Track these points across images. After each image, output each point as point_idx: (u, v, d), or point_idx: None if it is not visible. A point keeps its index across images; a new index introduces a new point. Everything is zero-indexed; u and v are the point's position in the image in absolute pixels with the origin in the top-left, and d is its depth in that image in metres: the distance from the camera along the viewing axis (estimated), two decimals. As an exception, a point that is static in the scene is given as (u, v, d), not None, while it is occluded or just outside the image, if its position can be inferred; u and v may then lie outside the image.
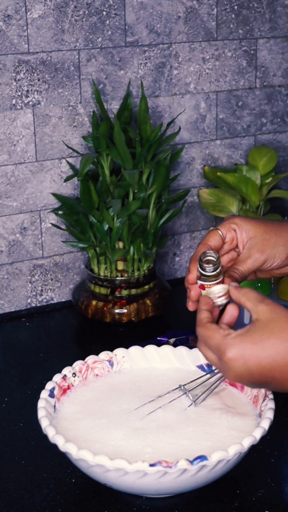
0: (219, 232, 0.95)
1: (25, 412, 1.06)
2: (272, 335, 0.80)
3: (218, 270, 0.89)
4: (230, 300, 0.90)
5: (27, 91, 1.30)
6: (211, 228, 0.96)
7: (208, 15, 1.42)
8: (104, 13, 1.33)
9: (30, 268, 1.38)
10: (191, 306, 0.94)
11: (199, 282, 0.90)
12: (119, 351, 1.04)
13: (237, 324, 1.31)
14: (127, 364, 1.04)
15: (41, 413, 0.90)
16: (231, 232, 0.95)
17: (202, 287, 0.90)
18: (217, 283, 0.89)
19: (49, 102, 1.33)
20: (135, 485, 0.84)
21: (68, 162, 1.36)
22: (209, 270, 0.89)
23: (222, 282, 0.90)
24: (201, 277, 0.90)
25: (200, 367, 1.03)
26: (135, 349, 1.05)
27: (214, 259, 0.90)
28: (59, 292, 1.42)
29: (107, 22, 1.34)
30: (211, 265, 0.89)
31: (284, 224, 0.97)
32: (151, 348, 1.05)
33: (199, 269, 0.90)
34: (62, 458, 0.91)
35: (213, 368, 1.02)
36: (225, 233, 0.95)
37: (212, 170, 1.44)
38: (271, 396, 0.92)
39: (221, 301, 0.89)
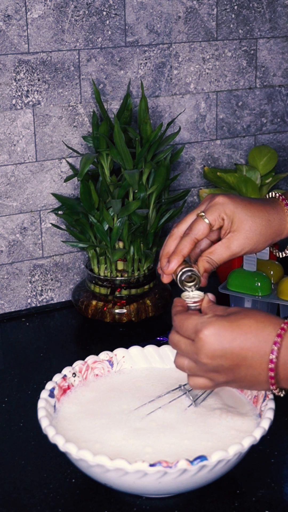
0: (206, 220, 0.92)
1: (25, 412, 1.06)
2: (247, 317, 0.83)
3: (196, 281, 0.92)
4: None
5: (27, 91, 1.30)
6: (199, 213, 0.93)
7: (208, 15, 1.42)
8: (104, 13, 1.33)
9: (30, 268, 1.38)
10: (165, 278, 0.95)
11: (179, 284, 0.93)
12: (119, 351, 1.04)
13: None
14: (127, 364, 1.04)
15: (41, 413, 0.90)
16: (219, 220, 0.93)
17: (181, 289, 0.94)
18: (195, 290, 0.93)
19: (49, 102, 1.33)
20: (135, 485, 0.84)
21: (68, 162, 1.36)
22: (191, 288, 0.92)
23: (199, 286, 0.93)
24: (182, 287, 0.93)
25: (200, 367, 1.03)
26: (135, 349, 1.05)
27: (192, 278, 0.92)
28: (59, 292, 1.42)
29: (107, 22, 1.34)
30: (192, 283, 0.92)
31: (273, 218, 0.95)
32: (151, 348, 1.05)
33: (179, 284, 0.92)
34: (62, 458, 0.91)
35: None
36: (213, 222, 0.93)
37: (212, 170, 1.44)
38: (271, 396, 0.92)
39: (195, 306, 0.91)
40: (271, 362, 0.81)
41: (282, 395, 0.84)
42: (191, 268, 0.92)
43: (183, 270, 0.92)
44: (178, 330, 0.87)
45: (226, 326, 0.82)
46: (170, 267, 0.93)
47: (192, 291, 0.92)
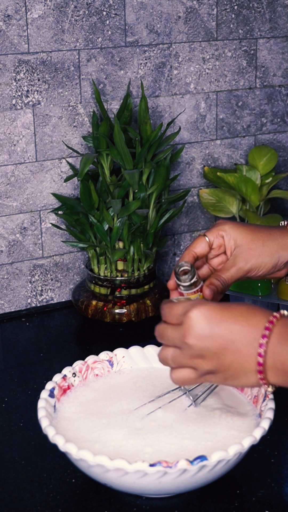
0: (206, 238, 0.96)
1: (25, 412, 1.06)
2: (238, 304, 0.82)
3: (194, 280, 0.92)
4: None
5: (27, 91, 1.30)
6: (199, 233, 0.97)
7: (208, 15, 1.42)
8: (104, 13, 1.33)
9: (30, 268, 1.38)
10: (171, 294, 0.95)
11: (178, 289, 0.93)
12: (119, 351, 1.04)
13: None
14: (127, 364, 1.04)
15: (41, 413, 0.90)
16: (219, 238, 0.96)
17: (181, 294, 0.93)
18: (195, 292, 0.92)
19: (49, 102, 1.33)
20: (135, 485, 0.84)
21: (68, 162, 1.36)
22: (184, 280, 0.92)
23: (200, 290, 0.92)
24: (179, 286, 0.92)
25: (200, 367, 1.03)
26: (135, 349, 1.05)
27: (188, 269, 0.91)
28: (59, 292, 1.42)
29: (107, 22, 1.34)
30: (186, 276, 0.91)
31: (274, 232, 0.97)
32: (151, 348, 1.05)
33: (176, 280, 0.92)
34: (62, 458, 0.91)
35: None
36: (212, 239, 0.96)
37: (212, 170, 1.44)
38: (271, 396, 0.92)
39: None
40: (261, 346, 0.78)
41: (271, 390, 0.82)
42: (186, 261, 0.92)
43: (178, 263, 0.92)
44: (166, 316, 0.84)
45: (217, 309, 0.81)
46: (170, 281, 0.95)
47: (186, 283, 0.91)
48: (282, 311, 0.81)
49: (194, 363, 0.82)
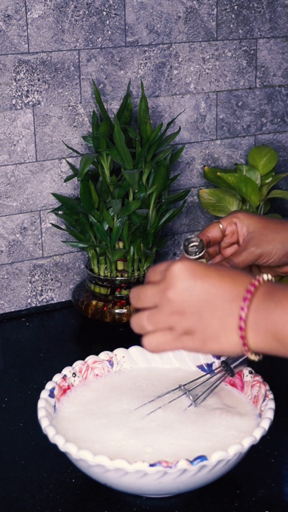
0: (220, 225, 0.97)
1: (25, 412, 1.06)
2: (224, 266, 0.83)
3: (201, 253, 0.92)
4: None
5: (27, 91, 1.30)
6: (214, 221, 0.98)
7: (208, 15, 1.42)
8: (104, 13, 1.33)
9: (30, 268, 1.38)
10: None
11: None
12: (119, 351, 1.04)
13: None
14: (127, 364, 1.04)
15: (41, 413, 0.90)
16: (231, 225, 0.97)
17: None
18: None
19: (49, 102, 1.33)
20: (135, 485, 0.84)
21: (68, 162, 1.36)
22: (191, 252, 0.91)
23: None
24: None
25: (200, 367, 1.03)
26: (135, 349, 1.05)
27: (197, 243, 0.92)
28: (59, 292, 1.42)
29: (107, 22, 1.34)
30: (194, 247, 0.91)
31: (285, 222, 0.98)
32: (151, 348, 1.05)
33: (184, 253, 0.92)
34: (62, 458, 0.91)
35: (214, 368, 1.02)
36: (225, 226, 0.97)
37: (212, 170, 1.44)
38: (271, 396, 0.92)
39: None
40: (245, 300, 0.74)
41: (256, 359, 0.76)
42: (196, 235, 0.93)
43: (188, 237, 0.93)
44: (149, 275, 0.80)
45: (201, 266, 0.77)
46: None
47: (193, 256, 0.92)
48: (267, 276, 0.76)
49: (172, 320, 0.77)
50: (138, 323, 0.79)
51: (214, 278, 0.76)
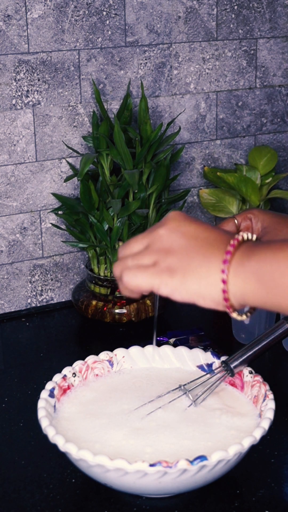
0: (235, 220, 0.98)
1: (25, 412, 1.06)
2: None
3: None
4: None
5: (27, 91, 1.30)
6: (228, 217, 0.99)
7: (208, 15, 1.42)
8: (104, 13, 1.33)
9: (30, 268, 1.38)
10: None
11: None
12: (119, 351, 1.04)
13: (238, 326, 1.31)
14: (127, 364, 1.04)
15: (41, 413, 0.90)
16: (246, 221, 0.98)
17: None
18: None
19: (49, 102, 1.33)
20: (135, 485, 0.84)
21: (68, 162, 1.36)
22: None
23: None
24: None
25: (200, 367, 1.03)
26: (135, 349, 1.05)
27: None
28: (59, 292, 1.42)
29: (107, 22, 1.34)
30: None
31: None
32: (151, 348, 1.05)
33: None
34: (62, 458, 0.91)
35: (214, 368, 1.02)
36: (240, 221, 0.98)
37: (212, 170, 1.44)
38: (271, 396, 0.92)
39: None
40: (235, 239, 0.73)
41: (235, 316, 0.74)
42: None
43: None
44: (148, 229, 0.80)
45: (196, 218, 0.80)
46: None
47: None
48: (256, 236, 0.77)
49: (157, 256, 0.76)
50: (121, 264, 0.78)
51: (207, 225, 0.77)
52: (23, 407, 1.08)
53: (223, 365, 0.98)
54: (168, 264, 0.75)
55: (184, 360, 1.04)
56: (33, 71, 1.30)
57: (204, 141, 1.49)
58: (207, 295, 0.74)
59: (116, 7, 1.34)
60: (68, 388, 0.98)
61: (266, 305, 0.72)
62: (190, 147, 1.47)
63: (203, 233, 0.76)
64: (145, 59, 1.39)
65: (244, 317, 0.77)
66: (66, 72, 1.33)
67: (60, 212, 1.36)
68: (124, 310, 1.30)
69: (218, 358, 1.02)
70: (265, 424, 0.87)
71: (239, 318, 0.76)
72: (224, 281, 0.72)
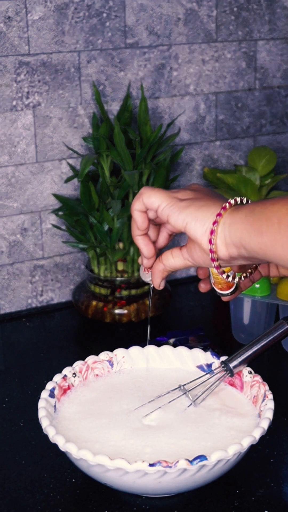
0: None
1: (25, 412, 1.06)
2: None
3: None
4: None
5: (28, 92, 1.31)
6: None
7: (207, 17, 1.42)
8: (104, 15, 1.33)
9: (31, 268, 1.39)
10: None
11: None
12: (119, 351, 1.05)
13: (237, 324, 1.32)
14: (127, 364, 1.05)
15: (41, 413, 0.90)
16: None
17: (218, 267, 0.88)
18: (223, 273, 0.88)
19: (49, 104, 1.33)
20: (135, 485, 0.84)
21: (68, 163, 1.37)
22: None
23: (232, 280, 0.88)
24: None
25: (200, 367, 1.04)
26: (135, 349, 1.05)
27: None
28: (60, 293, 1.42)
29: (107, 23, 1.34)
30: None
31: None
32: (151, 348, 1.06)
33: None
34: (62, 458, 0.92)
35: (214, 368, 1.02)
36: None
37: (211, 171, 1.45)
38: (270, 396, 0.92)
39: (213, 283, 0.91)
40: (232, 200, 0.82)
41: (220, 272, 0.83)
42: None
43: None
44: None
45: None
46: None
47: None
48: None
49: (180, 193, 0.87)
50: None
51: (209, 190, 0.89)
52: (23, 407, 1.08)
53: (223, 365, 0.98)
54: (186, 197, 0.86)
55: (184, 360, 1.05)
56: (34, 72, 1.30)
57: (203, 142, 1.49)
58: (195, 231, 0.83)
59: (116, 9, 1.34)
60: (68, 388, 0.98)
61: (254, 248, 0.78)
62: (190, 148, 1.48)
63: (214, 193, 0.87)
64: (145, 61, 1.39)
65: (228, 291, 0.85)
66: (67, 73, 1.33)
67: (60, 213, 1.36)
68: (124, 311, 1.30)
69: (218, 358, 1.02)
70: (265, 424, 0.87)
71: (224, 291, 0.84)
72: (220, 214, 0.81)
